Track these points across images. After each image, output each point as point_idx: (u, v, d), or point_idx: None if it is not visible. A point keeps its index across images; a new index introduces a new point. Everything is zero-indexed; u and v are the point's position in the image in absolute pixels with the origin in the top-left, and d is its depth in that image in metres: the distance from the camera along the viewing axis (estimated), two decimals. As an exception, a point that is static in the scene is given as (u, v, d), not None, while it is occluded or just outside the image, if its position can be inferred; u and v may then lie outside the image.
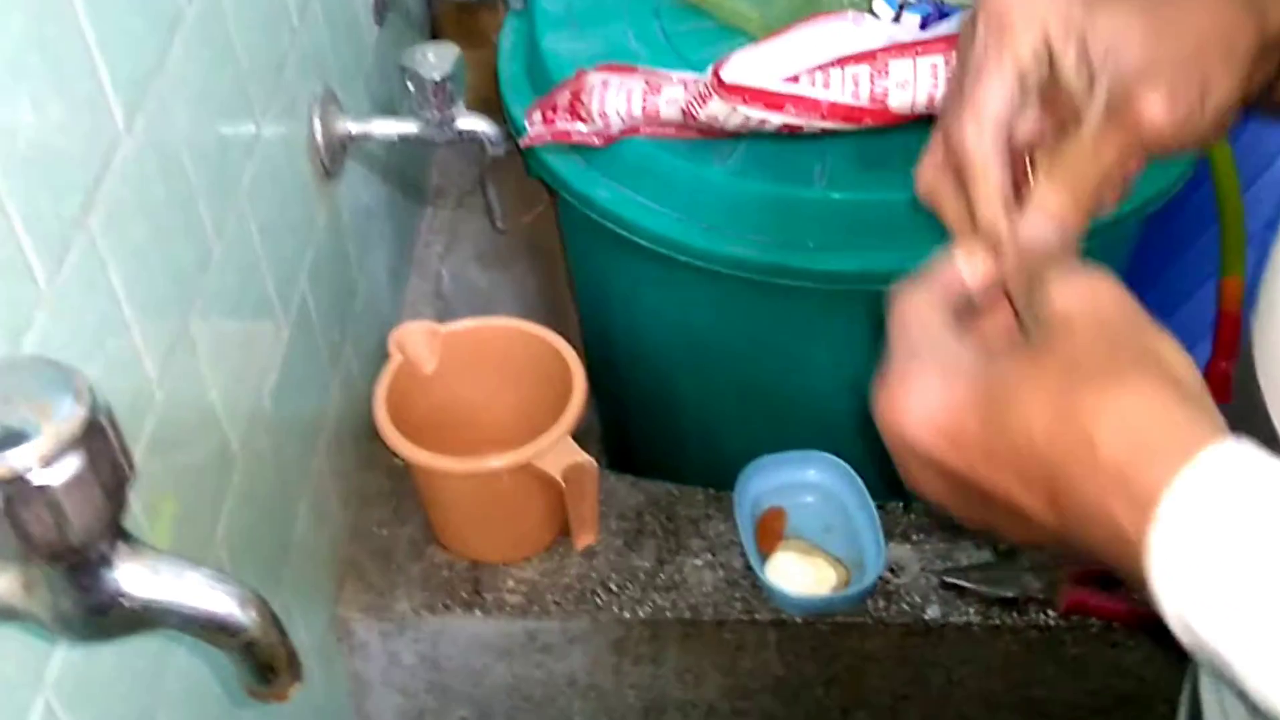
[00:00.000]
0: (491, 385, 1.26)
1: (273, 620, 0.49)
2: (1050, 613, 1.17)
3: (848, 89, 1.11)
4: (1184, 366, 0.48)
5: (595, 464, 1.14)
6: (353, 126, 1.17)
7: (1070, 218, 0.58)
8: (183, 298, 0.84)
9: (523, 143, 1.23)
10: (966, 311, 0.57)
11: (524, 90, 1.31)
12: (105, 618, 0.46)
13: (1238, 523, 0.43)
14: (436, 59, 1.13)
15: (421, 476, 1.19)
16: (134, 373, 0.75)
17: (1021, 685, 1.24)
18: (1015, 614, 1.18)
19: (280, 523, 1.05)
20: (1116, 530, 0.45)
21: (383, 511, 1.27)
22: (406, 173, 1.55)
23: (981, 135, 0.59)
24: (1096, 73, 0.59)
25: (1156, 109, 0.57)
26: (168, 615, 0.47)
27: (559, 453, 1.13)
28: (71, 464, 0.40)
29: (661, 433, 1.49)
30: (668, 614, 1.19)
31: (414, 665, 1.24)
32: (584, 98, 1.19)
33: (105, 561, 0.45)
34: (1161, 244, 1.37)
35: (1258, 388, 0.57)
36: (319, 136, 1.13)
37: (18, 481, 0.39)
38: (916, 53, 1.10)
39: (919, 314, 0.56)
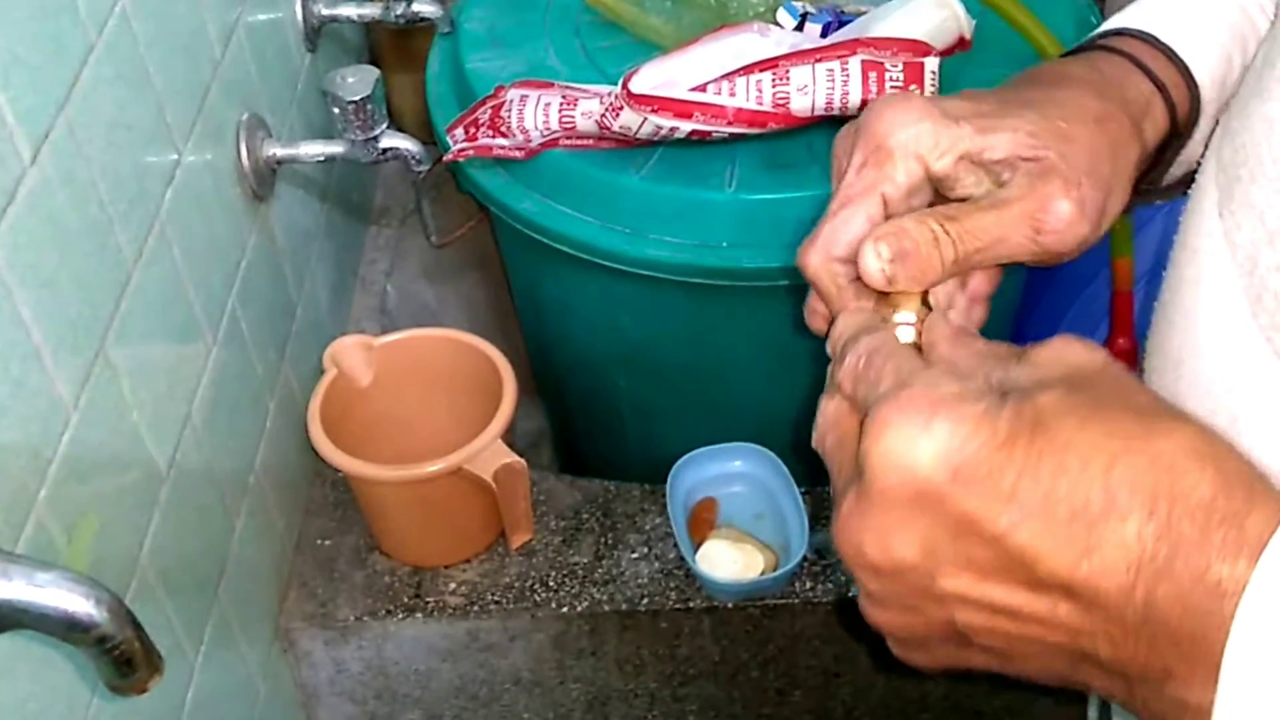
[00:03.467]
0: (427, 395, 1.30)
1: (127, 616, 0.52)
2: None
3: (752, 95, 1.15)
4: None
5: (524, 464, 1.18)
6: (280, 150, 1.21)
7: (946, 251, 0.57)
8: (99, 323, 0.87)
9: (446, 158, 1.27)
10: None
11: (451, 109, 1.35)
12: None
13: None
14: (355, 81, 1.17)
15: (359, 486, 1.22)
16: (44, 397, 0.78)
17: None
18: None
19: (217, 537, 1.09)
20: (1201, 579, 0.41)
21: (325, 522, 1.31)
22: (348, 194, 1.59)
23: (827, 264, 0.58)
24: (994, 176, 0.58)
25: (1064, 221, 0.56)
26: (22, 616, 0.50)
27: (490, 456, 1.16)
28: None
29: (605, 434, 1.52)
30: (605, 607, 1.23)
31: (360, 672, 1.27)
32: (504, 113, 1.23)
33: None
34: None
35: None
36: (245, 161, 1.17)
37: None
38: (816, 59, 1.13)
39: (892, 345, 0.52)
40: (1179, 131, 0.65)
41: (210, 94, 1.10)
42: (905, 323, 0.56)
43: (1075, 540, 0.43)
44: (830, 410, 0.53)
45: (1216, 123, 0.64)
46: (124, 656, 0.53)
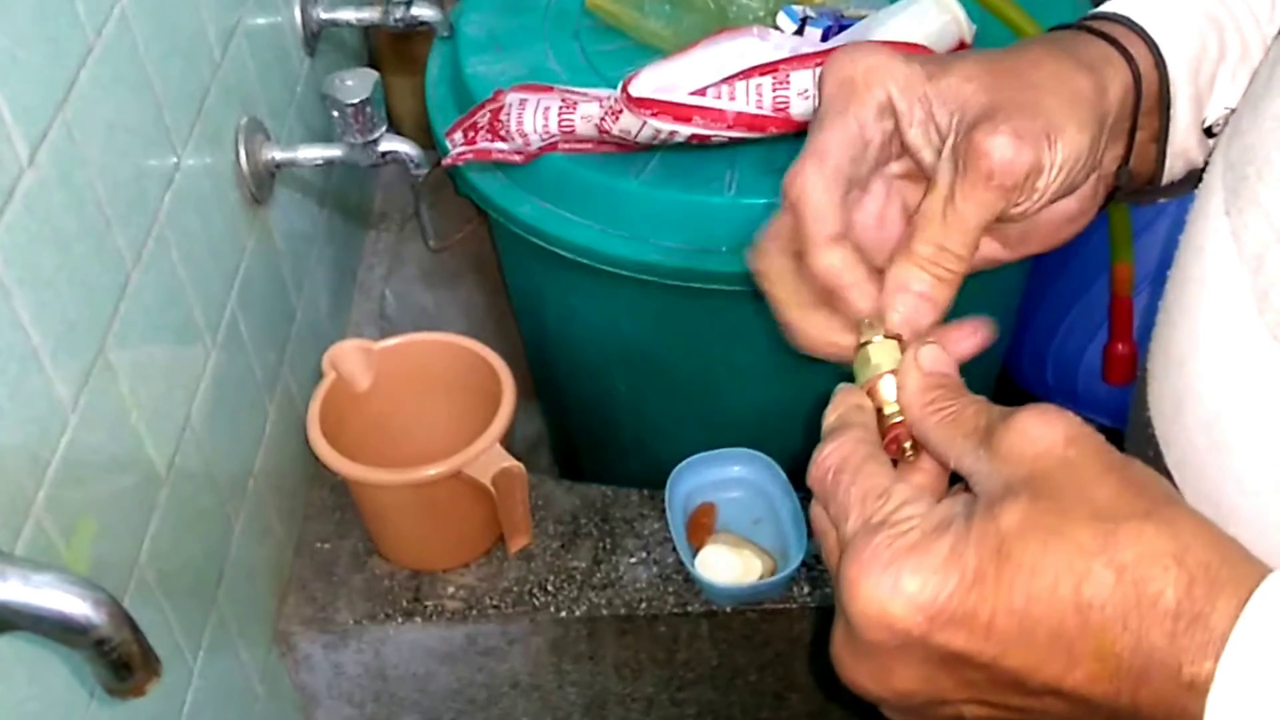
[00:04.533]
0: (426, 399, 1.30)
1: (125, 619, 0.52)
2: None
3: (752, 99, 1.15)
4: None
5: (523, 468, 1.18)
6: (279, 154, 1.21)
7: (939, 294, 0.58)
8: (99, 325, 0.87)
9: (445, 162, 1.27)
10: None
11: (450, 113, 1.35)
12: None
13: None
14: (355, 84, 1.17)
15: (358, 490, 1.22)
16: (43, 398, 0.78)
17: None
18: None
19: (216, 540, 1.09)
20: (1176, 680, 0.44)
21: (324, 526, 1.31)
22: (347, 198, 1.59)
23: (822, 174, 0.57)
24: (945, 135, 0.59)
25: (1003, 148, 0.56)
26: (18, 617, 0.49)
27: (488, 460, 1.16)
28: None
29: (604, 438, 1.52)
30: (604, 611, 1.23)
31: (359, 675, 1.27)
32: (503, 116, 1.23)
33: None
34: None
35: (1150, 423, 0.59)
36: (244, 165, 1.17)
37: None
38: (816, 63, 1.14)
39: (857, 457, 0.52)
40: (1146, 101, 0.64)
41: (209, 97, 1.10)
42: (880, 367, 0.56)
43: (1057, 658, 0.45)
44: (815, 491, 0.54)
45: (1214, 122, 0.64)
46: (121, 659, 0.53)
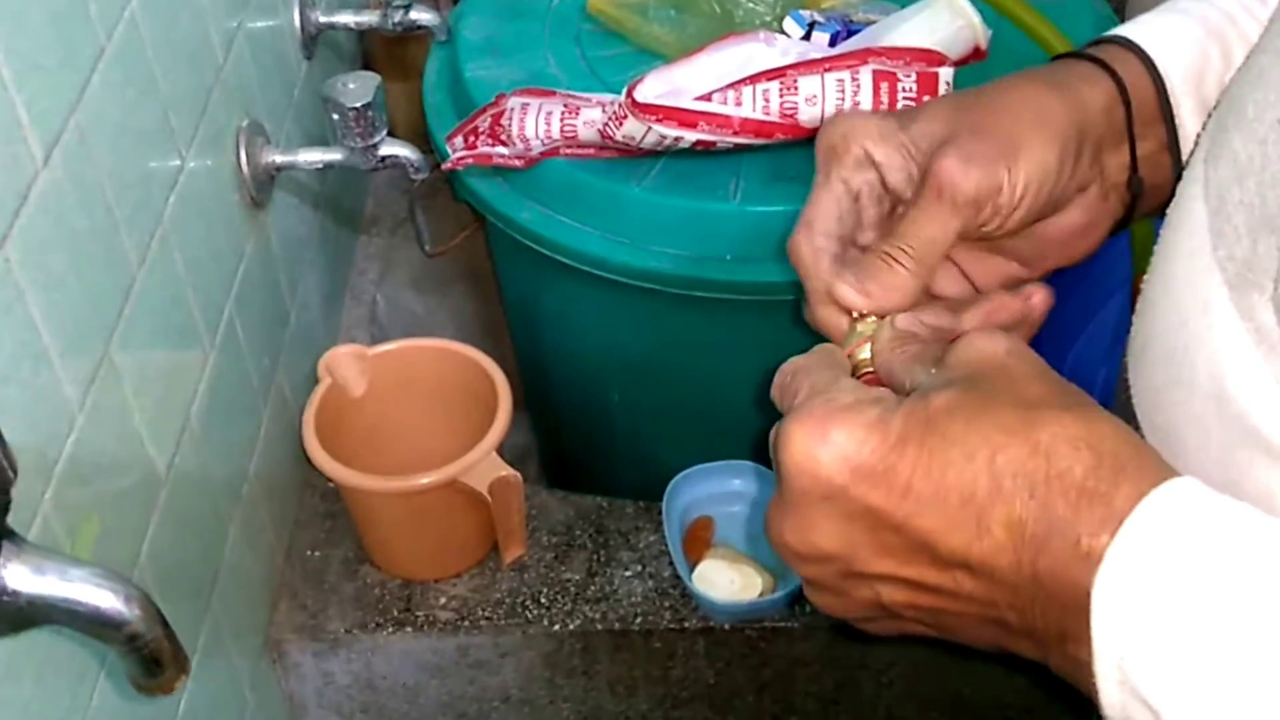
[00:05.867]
0: (421, 406, 1.29)
1: (157, 615, 0.51)
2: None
3: (758, 105, 1.14)
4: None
5: (520, 477, 1.16)
6: (279, 157, 1.20)
7: (897, 280, 0.64)
8: (104, 325, 0.86)
9: (445, 166, 1.25)
10: None
11: (449, 118, 1.34)
12: (-9, 615, 0.48)
13: (1199, 554, 0.45)
14: (356, 87, 1.16)
15: (352, 497, 1.21)
16: (52, 397, 0.77)
17: (951, 685, 1.27)
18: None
19: (210, 545, 1.07)
20: (1074, 550, 0.47)
21: (316, 533, 1.29)
22: (340, 202, 1.58)
23: (810, 242, 0.65)
24: (917, 168, 0.65)
25: (950, 169, 0.62)
26: (53, 611, 0.49)
27: (485, 468, 1.15)
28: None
29: (596, 449, 1.51)
30: (598, 625, 1.22)
31: (348, 685, 1.25)
32: (504, 121, 1.22)
33: (-12, 559, 0.47)
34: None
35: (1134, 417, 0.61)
36: (245, 167, 1.15)
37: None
38: (825, 69, 1.13)
39: (814, 363, 0.59)
40: (1142, 111, 0.68)
41: (212, 99, 1.09)
42: (863, 335, 0.63)
43: (967, 523, 0.49)
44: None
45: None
46: (153, 655, 0.52)
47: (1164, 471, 0.48)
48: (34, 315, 0.74)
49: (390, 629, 1.21)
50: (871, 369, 0.61)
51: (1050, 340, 1.54)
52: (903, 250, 0.63)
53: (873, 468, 0.50)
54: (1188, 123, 0.68)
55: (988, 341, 0.54)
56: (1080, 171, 0.66)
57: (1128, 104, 0.67)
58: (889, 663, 1.25)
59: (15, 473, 0.46)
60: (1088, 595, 0.46)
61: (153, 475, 0.94)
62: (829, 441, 0.50)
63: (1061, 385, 0.52)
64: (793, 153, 1.16)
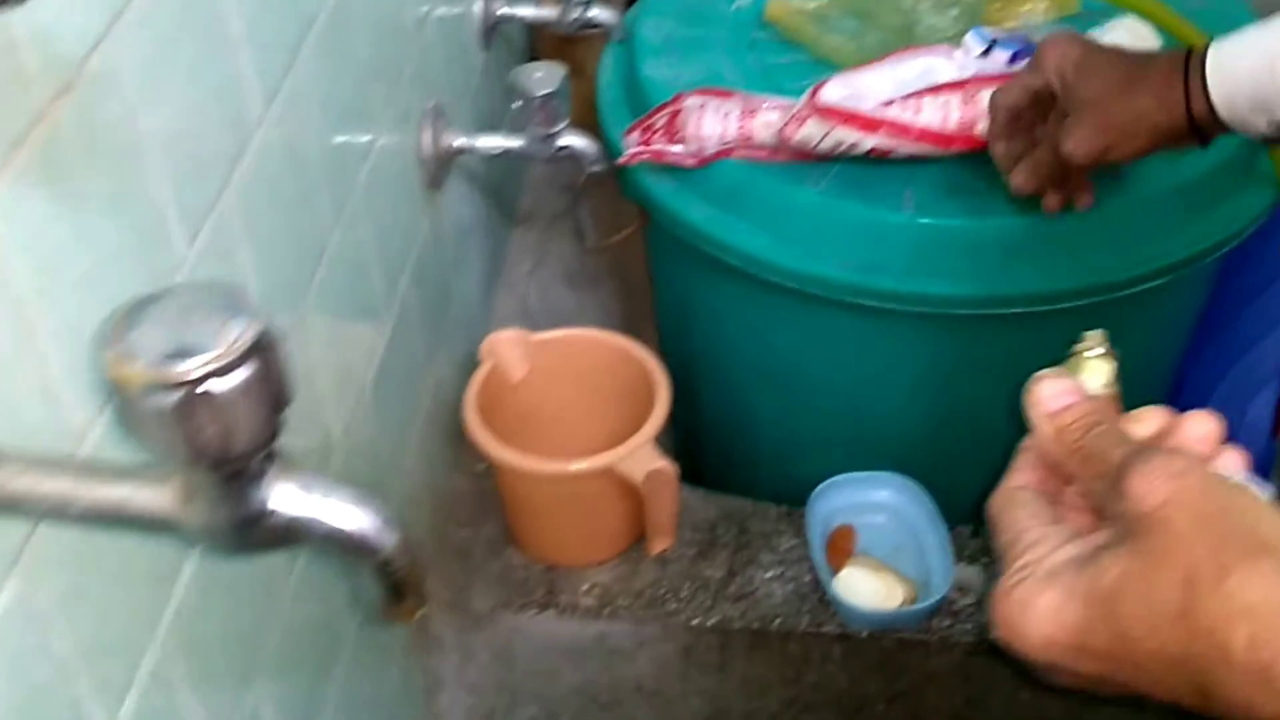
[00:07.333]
0: (576, 394, 1.31)
1: (408, 545, 0.53)
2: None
3: (938, 115, 1.15)
4: None
5: (675, 469, 1.18)
6: (459, 140, 1.22)
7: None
8: (300, 285, 0.88)
9: (621, 160, 1.27)
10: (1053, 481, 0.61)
11: (622, 115, 1.35)
12: (253, 530, 0.49)
13: None
14: (543, 76, 1.18)
15: (505, 478, 1.23)
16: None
17: (1079, 711, 1.26)
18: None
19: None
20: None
21: (464, 512, 1.31)
22: (501, 193, 1.60)
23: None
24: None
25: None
26: (312, 531, 0.51)
27: (641, 458, 1.16)
28: (243, 376, 0.44)
29: (737, 451, 1.52)
30: (736, 623, 1.22)
31: (486, 663, 1.27)
32: (681, 119, 1.24)
33: (261, 475, 0.49)
34: (1231, 291, 1.40)
35: None
36: (427, 147, 1.18)
37: (193, 389, 0.43)
38: (1007, 85, 1.13)
39: (1017, 515, 0.61)
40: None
41: (403, 79, 1.11)
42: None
43: (1174, 680, 0.51)
44: None
45: None
46: (400, 582, 0.54)
47: None
48: (245, 266, 0.77)
49: (533, 610, 1.23)
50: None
51: (1199, 374, 1.52)
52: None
53: (1068, 645, 0.53)
54: None
55: (1147, 489, 0.52)
56: None
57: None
58: (1021, 683, 1.24)
59: (293, 391, 0.47)
60: None
61: (328, 440, 0.96)
62: (1031, 624, 0.55)
63: (1220, 535, 0.50)
64: (967, 166, 1.17)
